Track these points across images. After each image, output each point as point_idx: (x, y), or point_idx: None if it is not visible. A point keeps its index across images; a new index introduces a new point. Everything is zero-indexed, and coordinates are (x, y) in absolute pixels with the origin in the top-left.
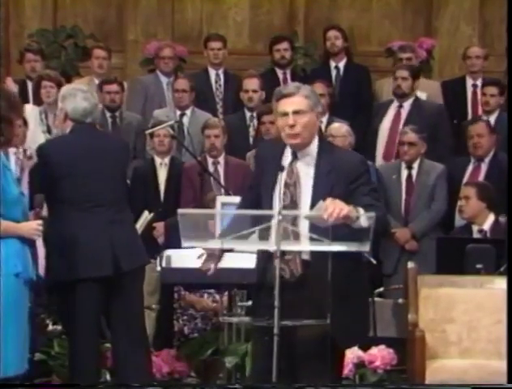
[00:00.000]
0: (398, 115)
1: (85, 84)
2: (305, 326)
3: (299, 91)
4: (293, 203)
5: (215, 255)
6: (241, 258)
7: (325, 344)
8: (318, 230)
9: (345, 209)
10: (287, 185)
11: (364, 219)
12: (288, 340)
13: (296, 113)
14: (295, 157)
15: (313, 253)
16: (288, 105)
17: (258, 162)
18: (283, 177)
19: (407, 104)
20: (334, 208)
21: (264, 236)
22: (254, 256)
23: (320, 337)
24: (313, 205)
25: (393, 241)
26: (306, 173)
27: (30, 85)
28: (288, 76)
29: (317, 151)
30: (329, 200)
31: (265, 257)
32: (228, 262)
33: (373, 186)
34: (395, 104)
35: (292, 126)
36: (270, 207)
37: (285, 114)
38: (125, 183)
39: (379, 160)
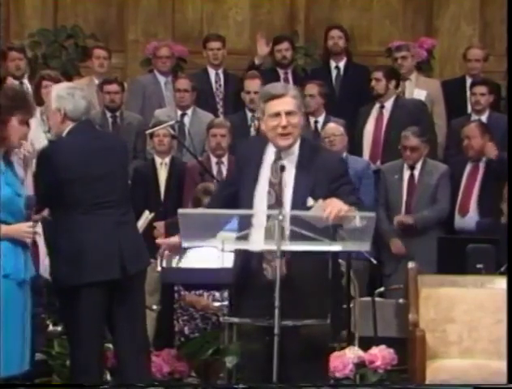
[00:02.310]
0: (380, 116)
1: (84, 84)
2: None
3: (288, 91)
4: (278, 202)
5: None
6: None
7: (311, 344)
8: (317, 230)
9: (343, 209)
10: (271, 184)
11: (358, 219)
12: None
13: (288, 113)
14: (279, 156)
15: (294, 252)
16: (279, 106)
17: (237, 160)
18: (266, 176)
19: (389, 104)
20: (332, 208)
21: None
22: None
23: (309, 337)
24: (294, 204)
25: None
26: (289, 171)
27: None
28: (290, 76)
29: (298, 151)
30: (328, 200)
31: (246, 257)
32: (228, 262)
33: (354, 186)
34: (377, 105)
35: (284, 127)
36: (251, 206)
37: (277, 115)
38: (127, 184)
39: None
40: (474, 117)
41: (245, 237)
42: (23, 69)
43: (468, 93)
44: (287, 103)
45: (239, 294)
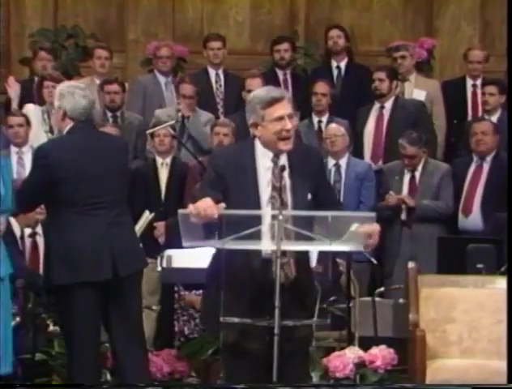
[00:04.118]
0: (380, 116)
1: (85, 84)
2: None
3: (286, 94)
4: (284, 205)
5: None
6: None
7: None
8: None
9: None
10: (275, 188)
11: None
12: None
13: (289, 116)
14: (277, 159)
15: (300, 254)
16: (281, 110)
17: (218, 170)
18: (267, 181)
19: (389, 105)
20: (375, 237)
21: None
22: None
23: (304, 337)
24: (295, 203)
25: None
26: (285, 173)
27: None
28: (289, 77)
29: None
30: (368, 226)
31: (249, 258)
32: None
33: (330, 184)
34: (377, 105)
35: (288, 130)
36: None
37: (280, 119)
38: (125, 185)
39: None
40: (486, 117)
41: (252, 238)
42: (49, 70)
43: (469, 93)
44: (287, 106)
45: (238, 295)
